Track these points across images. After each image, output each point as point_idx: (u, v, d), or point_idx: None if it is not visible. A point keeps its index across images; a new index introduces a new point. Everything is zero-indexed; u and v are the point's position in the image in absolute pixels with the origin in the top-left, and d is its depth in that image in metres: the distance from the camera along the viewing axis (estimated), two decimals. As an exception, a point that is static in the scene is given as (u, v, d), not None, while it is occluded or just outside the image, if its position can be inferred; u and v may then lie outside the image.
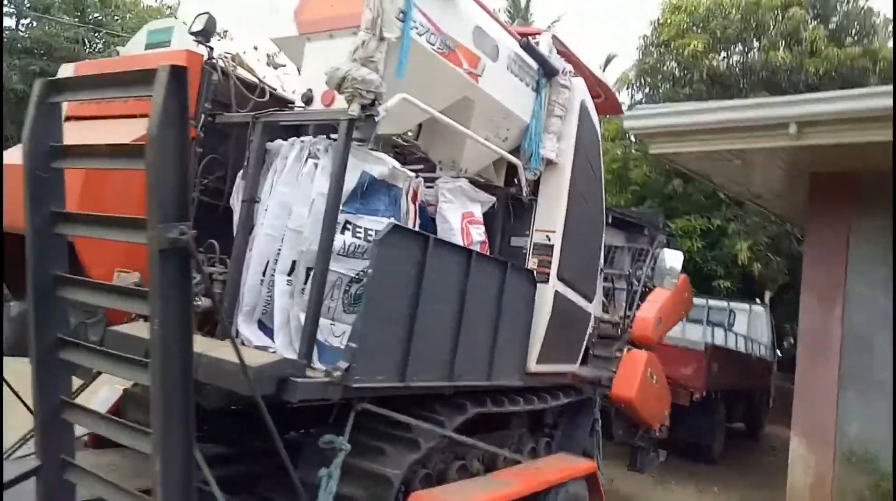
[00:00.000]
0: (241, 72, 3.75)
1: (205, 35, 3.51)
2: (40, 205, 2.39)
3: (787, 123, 5.70)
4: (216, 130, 3.56)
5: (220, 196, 3.60)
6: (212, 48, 3.55)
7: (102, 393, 4.47)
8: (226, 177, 3.58)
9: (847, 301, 6.42)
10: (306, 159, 3.23)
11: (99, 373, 4.23)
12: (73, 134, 3.86)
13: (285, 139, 3.42)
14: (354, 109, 2.89)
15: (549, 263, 4.15)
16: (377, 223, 3.21)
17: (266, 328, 3.22)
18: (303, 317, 3.03)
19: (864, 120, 5.37)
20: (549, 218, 4.21)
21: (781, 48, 12.82)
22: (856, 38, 13.89)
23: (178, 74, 2.01)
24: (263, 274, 3.19)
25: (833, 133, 5.58)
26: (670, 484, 7.59)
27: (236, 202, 3.42)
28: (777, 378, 12.12)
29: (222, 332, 3.03)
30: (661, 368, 5.70)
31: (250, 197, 3.29)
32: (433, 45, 3.27)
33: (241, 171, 3.42)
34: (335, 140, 3.22)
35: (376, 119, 2.94)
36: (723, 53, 14.02)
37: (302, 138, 3.35)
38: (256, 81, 3.68)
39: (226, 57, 3.62)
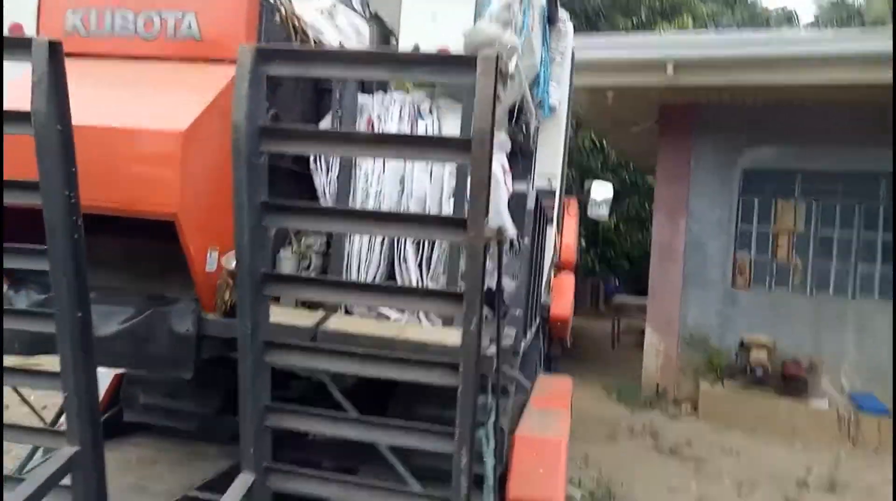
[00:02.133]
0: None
1: (259, -33, 2.95)
2: (255, 195, 2.03)
3: (665, 63, 6.55)
4: (270, 80, 3.08)
5: (280, 157, 3.18)
6: (265, -16, 3.00)
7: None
8: None
9: (689, 215, 7.79)
10: (408, 120, 3.02)
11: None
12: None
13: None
14: (491, 72, 2.78)
15: (552, 207, 4.43)
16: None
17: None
18: (432, 286, 2.97)
19: (732, 65, 6.42)
20: (550, 163, 4.43)
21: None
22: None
23: (495, 61, 1.86)
24: (382, 243, 2.99)
25: (704, 74, 6.58)
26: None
27: (318, 166, 3.07)
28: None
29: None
30: (572, 287, 6.45)
31: (349, 162, 2.99)
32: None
33: None
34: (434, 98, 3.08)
35: (509, 83, 2.88)
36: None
37: (392, 95, 3.10)
38: (307, 27, 3.22)
39: (277, -6, 3.09)
